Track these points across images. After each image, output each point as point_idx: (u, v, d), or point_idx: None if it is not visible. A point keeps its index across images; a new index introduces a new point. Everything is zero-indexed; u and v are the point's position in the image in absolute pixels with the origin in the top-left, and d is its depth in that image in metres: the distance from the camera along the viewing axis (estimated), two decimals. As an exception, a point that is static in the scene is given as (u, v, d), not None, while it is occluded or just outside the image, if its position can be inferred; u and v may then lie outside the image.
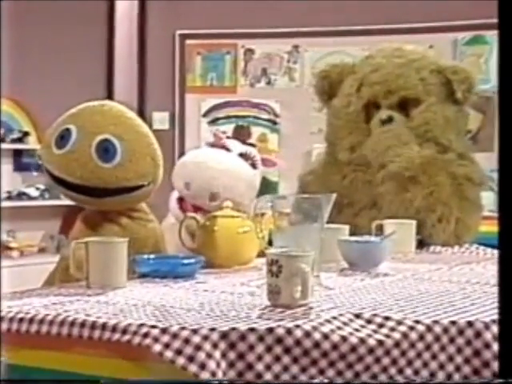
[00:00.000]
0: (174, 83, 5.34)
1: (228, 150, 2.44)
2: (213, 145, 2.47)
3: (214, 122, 5.30)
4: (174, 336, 1.27)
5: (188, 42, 5.33)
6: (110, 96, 5.39)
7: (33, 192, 4.96)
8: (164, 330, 1.28)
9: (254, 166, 2.45)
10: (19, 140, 5.02)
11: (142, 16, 5.41)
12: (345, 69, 2.85)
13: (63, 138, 1.97)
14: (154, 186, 2.04)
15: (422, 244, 2.55)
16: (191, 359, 1.24)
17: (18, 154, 5.09)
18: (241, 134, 5.23)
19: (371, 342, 1.31)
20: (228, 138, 2.65)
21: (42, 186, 5.02)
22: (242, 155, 2.44)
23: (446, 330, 1.34)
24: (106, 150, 1.96)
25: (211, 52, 5.33)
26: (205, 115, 5.31)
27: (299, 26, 5.07)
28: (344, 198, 2.65)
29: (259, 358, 1.26)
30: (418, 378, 1.32)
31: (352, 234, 2.27)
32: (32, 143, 5.03)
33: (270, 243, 2.01)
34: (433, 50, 4.85)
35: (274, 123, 5.23)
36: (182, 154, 5.21)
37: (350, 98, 2.76)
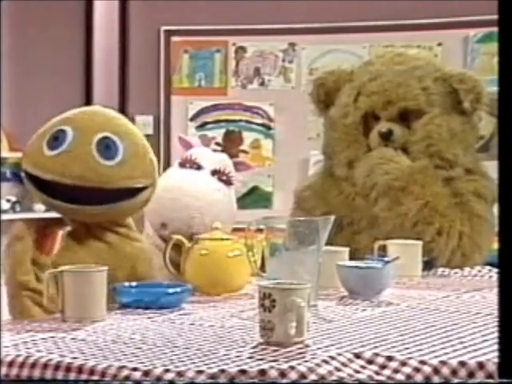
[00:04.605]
0: (158, 84, 5.35)
1: (199, 167, 2.42)
2: (183, 163, 2.44)
3: (202, 126, 5.31)
4: (158, 379, 1.27)
5: (174, 39, 5.34)
6: (88, 98, 5.40)
7: (3, 204, 4.96)
8: (147, 373, 1.29)
9: (229, 182, 2.43)
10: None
11: (124, 11, 5.42)
12: (341, 76, 2.86)
13: (57, 139, 1.97)
14: (153, 191, 2.05)
15: (429, 266, 2.56)
16: (176, 405, 1.25)
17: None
18: (232, 140, 5.25)
19: (373, 384, 1.31)
20: (192, 144, 2.61)
21: (13, 198, 5.02)
22: (215, 172, 2.42)
23: (454, 372, 1.35)
24: (107, 147, 1.96)
25: (199, 50, 5.34)
26: (192, 119, 5.32)
27: (295, 22, 5.09)
28: (343, 216, 2.67)
29: (250, 402, 1.27)
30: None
31: (353, 254, 2.28)
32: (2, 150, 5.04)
33: (263, 265, 2.02)
34: (441, 47, 4.90)
35: (268, 128, 5.24)
36: (167, 161, 5.24)
37: (348, 109, 2.77)
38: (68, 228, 2.06)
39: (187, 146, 2.53)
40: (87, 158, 1.94)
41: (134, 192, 2.00)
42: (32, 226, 2.03)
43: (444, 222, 2.59)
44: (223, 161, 2.48)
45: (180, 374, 1.28)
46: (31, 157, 2.00)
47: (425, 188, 2.61)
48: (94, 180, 1.94)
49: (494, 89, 1.61)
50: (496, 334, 1.53)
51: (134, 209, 2.06)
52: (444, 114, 2.70)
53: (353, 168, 2.72)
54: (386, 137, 2.71)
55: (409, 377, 1.34)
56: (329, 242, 1.96)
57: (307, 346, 1.45)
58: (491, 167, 2.77)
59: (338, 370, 1.33)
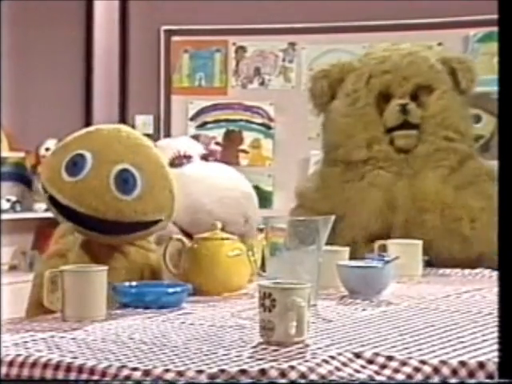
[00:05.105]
0: (158, 84, 5.34)
1: (190, 157, 2.48)
2: (172, 162, 2.47)
3: (202, 126, 5.30)
4: (158, 379, 1.27)
5: (174, 38, 5.34)
6: (88, 98, 5.40)
7: (3, 204, 4.95)
8: (147, 373, 1.29)
9: (217, 160, 2.57)
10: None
11: (124, 11, 5.42)
12: (345, 67, 2.89)
13: (76, 164, 1.95)
14: (168, 221, 2.05)
15: (430, 265, 2.56)
16: (176, 405, 1.25)
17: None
18: (232, 140, 5.25)
19: (373, 384, 1.31)
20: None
21: (13, 198, 5.02)
22: (203, 158, 2.52)
23: (454, 372, 1.35)
24: (125, 181, 1.94)
25: (199, 50, 5.33)
26: (192, 119, 5.32)
27: (295, 21, 5.08)
28: (347, 209, 2.70)
29: (251, 402, 1.27)
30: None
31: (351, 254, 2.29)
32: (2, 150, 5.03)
33: (263, 265, 2.02)
34: (441, 47, 4.89)
35: (268, 128, 5.23)
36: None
37: (358, 94, 2.81)
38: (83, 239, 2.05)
39: None
40: (104, 191, 1.93)
41: (148, 225, 2.00)
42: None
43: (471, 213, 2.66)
44: (197, 144, 2.60)
45: (180, 373, 1.28)
46: (50, 177, 1.98)
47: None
48: (108, 213, 1.93)
49: (494, 89, 1.63)
50: (496, 334, 1.53)
51: (148, 236, 2.08)
52: (449, 91, 2.82)
53: (372, 149, 2.76)
54: (405, 110, 2.76)
55: (409, 376, 1.34)
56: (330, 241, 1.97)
57: (307, 345, 1.45)
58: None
59: (339, 369, 1.33)
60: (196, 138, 2.70)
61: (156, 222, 2.00)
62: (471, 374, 1.35)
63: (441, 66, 2.84)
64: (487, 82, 4.53)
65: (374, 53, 2.95)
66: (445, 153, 2.75)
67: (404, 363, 1.36)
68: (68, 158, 1.96)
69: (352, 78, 2.83)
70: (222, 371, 1.29)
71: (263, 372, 1.29)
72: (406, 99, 2.79)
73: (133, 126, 5.01)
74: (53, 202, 1.98)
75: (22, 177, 5.15)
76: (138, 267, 2.05)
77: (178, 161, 2.42)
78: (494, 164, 2.75)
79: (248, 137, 5.25)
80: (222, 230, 2.18)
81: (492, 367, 1.36)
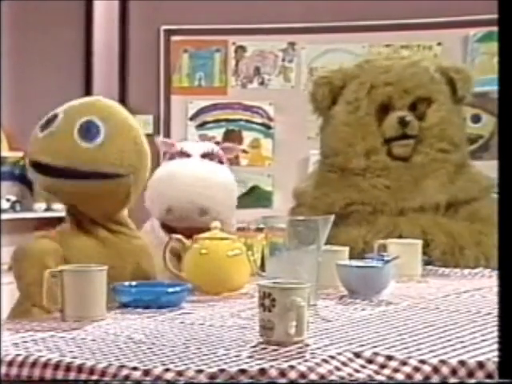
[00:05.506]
0: (158, 83, 5.35)
1: (188, 155, 2.52)
2: (171, 158, 2.51)
3: (202, 125, 5.30)
4: (158, 379, 1.27)
5: (174, 38, 5.34)
6: (88, 97, 5.40)
7: (3, 204, 4.95)
8: (146, 372, 1.29)
9: (221, 162, 2.57)
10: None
11: (124, 10, 5.42)
12: (347, 73, 2.90)
13: (49, 122, 2.04)
14: (134, 181, 2.05)
15: (430, 265, 2.57)
16: (176, 405, 1.25)
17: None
18: (231, 140, 5.24)
19: (372, 384, 1.31)
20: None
21: (12, 198, 5.02)
22: (204, 156, 2.53)
23: (454, 372, 1.35)
24: (88, 130, 2.01)
25: (199, 49, 5.33)
26: (192, 118, 5.32)
27: (295, 21, 5.08)
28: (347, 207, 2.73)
29: (250, 402, 1.27)
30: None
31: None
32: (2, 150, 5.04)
33: (263, 264, 2.02)
34: (441, 47, 4.89)
35: (268, 127, 5.23)
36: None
37: (359, 103, 2.83)
38: (65, 225, 2.07)
39: (171, 146, 2.60)
40: (68, 140, 2.00)
41: (108, 176, 2.02)
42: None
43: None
44: (209, 145, 2.61)
45: (180, 373, 1.28)
46: (30, 142, 2.08)
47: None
48: (70, 161, 1.99)
49: (494, 89, 1.64)
50: (496, 334, 1.53)
51: (111, 193, 2.05)
52: (447, 101, 2.86)
53: (370, 159, 2.79)
54: (404, 122, 2.79)
55: (409, 376, 1.33)
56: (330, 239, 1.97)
57: (307, 345, 1.45)
58: (491, 167, 2.80)
59: (338, 369, 1.33)
60: (227, 148, 2.71)
61: (117, 176, 2.01)
62: (471, 374, 1.35)
63: (439, 76, 2.87)
64: (487, 81, 4.54)
65: (376, 60, 3.00)
66: (439, 163, 2.80)
67: (404, 363, 1.35)
68: (44, 119, 2.06)
69: (354, 86, 2.86)
70: (222, 371, 1.29)
71: (263, 372, 1.29)
72: (405, 111, 2.82)
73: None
74: (31, 166, 2.06)
75: (22, 177, 5.15)
76: (127, 254, 2.05)
77: (177, 156, 2.46)
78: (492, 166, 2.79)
79: (248, 137, 5.25)
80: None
81: (491, 367, 1.36)
